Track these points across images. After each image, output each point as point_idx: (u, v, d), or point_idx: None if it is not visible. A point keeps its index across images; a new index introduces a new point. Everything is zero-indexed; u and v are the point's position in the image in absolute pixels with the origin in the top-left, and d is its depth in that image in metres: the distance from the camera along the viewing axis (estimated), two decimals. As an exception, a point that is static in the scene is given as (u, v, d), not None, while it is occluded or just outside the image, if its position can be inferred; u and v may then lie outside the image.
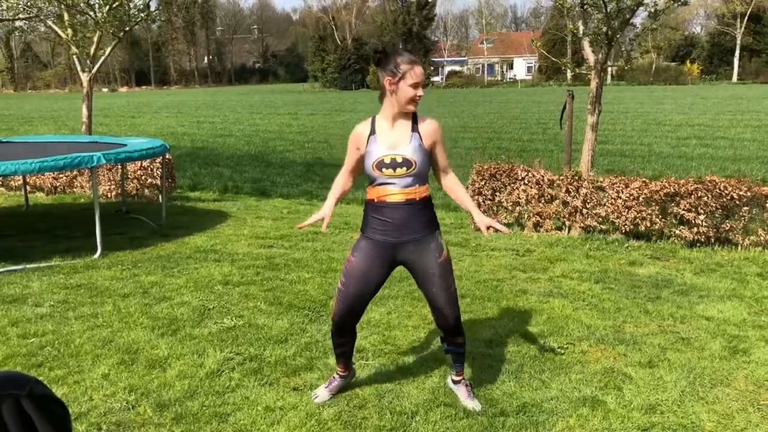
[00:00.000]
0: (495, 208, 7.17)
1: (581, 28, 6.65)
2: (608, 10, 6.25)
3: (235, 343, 3.97)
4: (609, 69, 65.90)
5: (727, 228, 6.29)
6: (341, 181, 3.24)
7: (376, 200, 3.01)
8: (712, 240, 6.34)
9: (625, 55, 6.70)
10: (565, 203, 6.86)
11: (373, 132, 3.00)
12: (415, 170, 2.94)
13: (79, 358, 3.76)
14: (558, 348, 3.92)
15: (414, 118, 3.01)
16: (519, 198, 7.03)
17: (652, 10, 6.34)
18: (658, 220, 6.50)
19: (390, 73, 2.91)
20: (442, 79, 69.79)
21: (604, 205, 6.68)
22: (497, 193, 7.12)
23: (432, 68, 67.33)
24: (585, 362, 3.74)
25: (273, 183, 10.95)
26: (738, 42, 63.04)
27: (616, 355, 3.83)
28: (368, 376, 3.57)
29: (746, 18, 62.24)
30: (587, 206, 6.76)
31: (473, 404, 3.24)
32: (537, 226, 7.03)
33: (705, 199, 6.26)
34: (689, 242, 6.38)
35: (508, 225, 7.15)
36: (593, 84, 6.84)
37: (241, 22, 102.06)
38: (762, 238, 6.17)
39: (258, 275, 5.33)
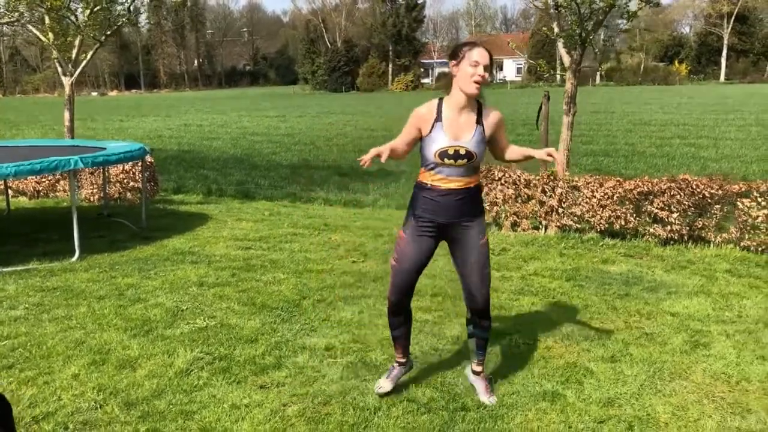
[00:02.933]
0: (473, 208, 7.23)
1: (556, 29, 6.73)
2: (581, 11, 6.34)
3: (206, 343, 4.02)
4: (598, 70, 66.33)
5: (699, 226, 6.38)
6: (398, 144, 3.15)
7: (430, 184, 3.12)
8: (686, 238, 6.44)
9: (599, 56, 6.77)
10: (541, 203, 6.95)
11: (439, 118, 3.07)
12: (473, 162, 3.09)
13: (50, 360, 3.80)
14: (523, 344, 4.00)
15: (479, 111, 3.10)
16: (496, 198, 7.10)
17: (625, 11, 6.42)
18: (632, 218, 6.59)
19: (453, 57, 3.05)
20: (432, 80, 69.94)
21: (580, 204, 6.77)
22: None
23: (422, 70, 67.48)
24: (549, 358, 3.81)
25: (257, 185, 11.00)
26: (725, 42, 63.52)
27: (580, 350, 3.91)
28: (335, 373, 3.62)
29: (733, 18, 62.72)
30: (563, 206, 6.84)
31: (490, 399, 3.29)
32: (514, 225, 7.11)
33: (678, 197, 6.35)
34: (663, 240, 6.47)
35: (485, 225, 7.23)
36: (568, 85, 6.93)
37: (231, 24, 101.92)
38: (733, 235, 6.27)
39: (233, 276, 5.38)
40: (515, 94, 48.06)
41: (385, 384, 3.38)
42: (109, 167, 8.76)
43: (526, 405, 3.26)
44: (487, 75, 2.98)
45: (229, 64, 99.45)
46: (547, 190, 6.87)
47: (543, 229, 7.00)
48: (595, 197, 6.66)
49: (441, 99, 3.12)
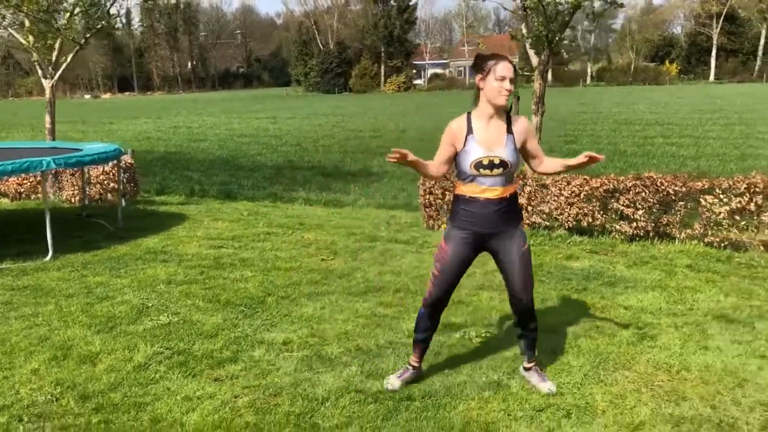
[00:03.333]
0: (445, 207, 7.35)
1: (524, 31, 6.85)
2: (547, 13, 6.45)
3: (167, 339, 4.11)
4: (588, 70, 66.56)
5: (664, 222, 6.50)
6: (434, 166, 3.30)
7: (469, 196, 3.22)
8: (651, 234, 6.55)
9: (565, 57, 6.84)
10: (511, 201, 7.05)
11: (470, 131, 3.18)
12: (509, 170, 3.19)
13: (12, 356, 3.88)
14: (476, 336, 4.10)
15: (508, 120, 3.22)
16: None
17: (590, 12, 6.55)
18: (599, 215, 6.71)
19: (479, 71, 3.15)
20: (424, 81, 70.13)
21: (548, 202, 6.88)
22: (447, 192, 7.30)
23: (414, 71, 67.62)
24: (499, 349, 3.92)
25: (240, 186, 11.09)
26: (714, 42, 63.84)
27: (531, 342, 4.01)
28: (289, 366, 3.72)
29: (722, 18, 63.05)
30: (532, 204, 6.96)
31: (548, 386, 3.41)
32: (486, 223, 7.21)
33: (643, 194, 6.47)
34: (629, 236, 6.58)
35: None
36: (536, 85, 7.04)
37: (224, 27, 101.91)
38: (697, 231, 6.39)
39: (202, 274, 5.47)
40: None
41: (395, 382, 3.48)
42: (90, 169, 8.85)
43: (470, 395, 3.37)
44: (512, 87, 3.12)
45: (222, 66, 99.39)
46: (518, 189, 6.97)
47: (514, 226, 7.10)
48: (563, 195, 6.78)
49: (469, 113, 3.23)
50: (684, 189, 6.37)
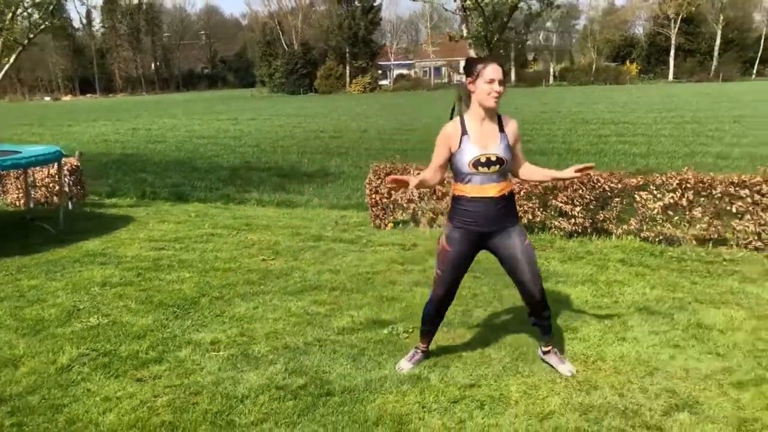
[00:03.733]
0: (391, 206, 7.42)
1: (465, 31, 6.94)
2: (485, 14, 6.56)
3: (94, 341, 4.10)
4: (551, 70, 67.36)
5: (601, 218, 6.65)
6: (427, 174, 3.41)
7: (469, 196, 3.31)
8: (589, 230, 6.70)
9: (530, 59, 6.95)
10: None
11: (465, 132, 3.28)
12: (505, 167, 3.30)
13: (-68, 360, 3.83)
14: (404, 332, 4.16)
15: (499, 120, 3.33)
16: (412, 195, 7.29)
17: (528, 12, 6.67)
18: (539, 212, 6.84)
19: (469, 74, 3.26)
20: (390, 82, 70.28)
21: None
22: (393, 191, 7.37)
23: (380, 72, 67.70)
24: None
25: (193, 187, 11.02)
26: (673, 42, 65.17)
27: (456, 336, 4.09)
28: (214, 365, 3.74)
29: (680, 19, 64.39)
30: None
31: (567, 368, 3.57)
32: (432, 222, 7.30)
33: (580, 191, 6.61)
34: (568, 233, 6.72)
35: (404, 222, 7.43)
36: (477, 84, 7.13)
37: (188, 27, 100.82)
38: (633, 226, 6.55)
39: (138, 276, 5.44)
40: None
41: (405, 365, 3.66)
42: (34, 171, 8.72)
43: (390, 388, 3.42)
44: (502, 89, 3.23)
45: (186, 67, 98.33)
46: (460, 186, 7.07)
47: (458, 224, 7.19)
48: (504, 193, 6.88)
49: (462, 115, 3.33)
50: (620, 186, 6.53)
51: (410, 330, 4.19)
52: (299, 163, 14.25)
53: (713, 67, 63.32)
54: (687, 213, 6.35)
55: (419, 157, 9.50)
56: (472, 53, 7.04)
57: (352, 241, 6.69)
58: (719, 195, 6.20)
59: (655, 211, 6.42)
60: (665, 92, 42.16)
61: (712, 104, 29.00)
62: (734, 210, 6.20)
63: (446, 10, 7.09)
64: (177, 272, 5.55)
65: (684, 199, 6.29)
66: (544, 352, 3.70)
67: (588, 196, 6.58)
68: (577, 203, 6.63)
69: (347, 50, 65.11)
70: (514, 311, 4.53)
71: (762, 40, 65.01)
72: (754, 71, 64.51)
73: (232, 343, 4.05)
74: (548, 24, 72.79)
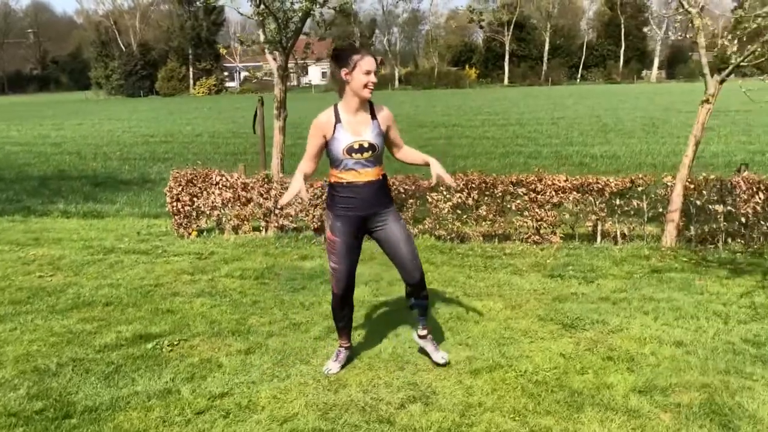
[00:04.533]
0: (195, 214, 7.24)
1: (261, 36, 6.93)
2: (279, 20, 6.58)
3: None
4: (396, 74, 69.29)
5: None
6: (304, 165, 3.52)
7: (346, 182, 3.43)
8: (388, 231, 6.93)
9: (299, 63, 7.01)
10: (259, 205, 7.12)
11: (338, 120, 3.40)
12: (377, 153, 3.44)
13: None
14: (168, 345, 4.07)
15: (371, 109, 3.46)
16: (215, 202, 7.16)
17: (322, 20, 6.78)
18: (341, 215, 6.97)
19: (344, 65, 3.31)
20: (237, 84, 68.91)
21: (293, 204, 7.02)
22: (195, 198, 7.20)
23: (225, 74, 66.23)
24: (187, 356, 3.91)
25: (-9, 200, 10.15)
26: (507, 48, 69.41)
27: (222, 345, 4.06)
28: None
29: (512, 26, 68.72)
30: (278, 207, 7.06)
31: (441, 356, 3.72)
32: (236, 228, 7.21)
33: (378, 193, 6.81)
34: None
35: (208, 231, 7.28)
36: (277, 90, 7.15)
37: (13, 25, 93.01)
38: (428, 225, 6.86)
39: None
40: (315, 99, 48.76)
41: (333, 366, 3.70)
42: None
43: (135, 405, 3.32)
44: (376, 80, 3.36)
45: (12, 68, 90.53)
46: (263, 192, 7.06)
47: (263, 230, 7.18)
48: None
49: (336, 105, 3.43)
50: (413, 187, 6.81)
51: (176, 342, 4.11)
52: (119, 170, 13.59)
53: (543, 72, 68.15)
54: (474, 212, 6.76)
55: (253, 162, 9.40)
56: (269, 58, 7.04)
57: (146, 252, 6.45)
58: (500, 194, 6.66)
59: (446, 210, 6.76)
60: (498, 95, 44.76)
61: (537, 107, 31.18)
62: (514, 207, 6.69)
63: (241, 14, 6.96)
64: (-68, 295, 5.06)
65: (470, 199, 6.69)
66: (420, 336, 3.82)
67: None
68: (375, 205, 6.83)
69: (190, 51, 63.01)
70: (291, 314, 4.57)
71: (584, 47, 70.86)
72: (579, 76, 70.18)
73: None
74: (394, 29, 74.86)
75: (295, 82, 71.06)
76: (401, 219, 3.64)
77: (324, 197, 6.80)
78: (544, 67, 69.08)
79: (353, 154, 3.40)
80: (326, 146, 3.45)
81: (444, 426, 3.08)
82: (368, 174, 3.45)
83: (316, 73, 72.12)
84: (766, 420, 3.07)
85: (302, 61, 7.13)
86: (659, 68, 71.08)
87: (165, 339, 4.16)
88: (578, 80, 69.05)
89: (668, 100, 32.73)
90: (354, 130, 3.41)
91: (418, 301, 3.75)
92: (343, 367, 3.73)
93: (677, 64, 69.37)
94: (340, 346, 3.81)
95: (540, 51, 70.52)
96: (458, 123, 23.12)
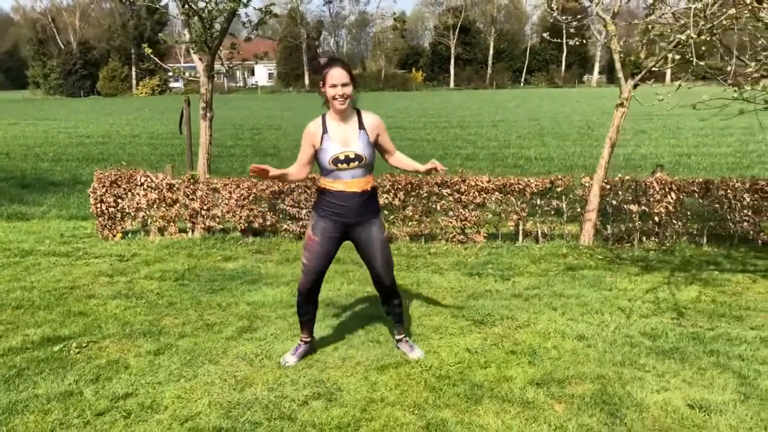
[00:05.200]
0: (119, 215, 7.12)
1: (186, 36, 6.87)
2: (204, 20, 6.54)
3: None
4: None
5: (326, 220, 6.94)
6: (295, 169, 3.60)
7: (333, 190, 3.50)
8: (316, 231, 6.95)
9: (226, 65, 6.99)
10: (185, 206, 7.05)
11: (325, 131, 3.45)
12: (365, 163, 3.48)
13: None
14: (76, 347, 4.01)
15: (359, 117, 3.49)
16: (140, 204, 7.06)
17: (248, 21, 6.77)
18: (270, 216, 6.96)
19: (321, 79, 3.41)
20: (181, 85, 67.68)
21: (220, 205, 6.99)
22: (119, 200, 7.08)
23: (170, 74, 65.00)
24: (94, 358, 3.86)
25: None
26: (452, 52, 70.23)
27: (132, 347, 4.03)
28: None
29: (457, 30, 69.57)
30: (205, 208, 7.02)
31: (417, 354, 3.83)
32: (162, 230, 7.12)
33: (305, 195, 6.84)
34: (297, 235, 6.92)
35: (134, 233, 7.17)
36: (203, 90, 7.10)
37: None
38: (355, 226, 6.91)
39: None
40: (262, 99, 48.44)
41: (290, 359, 3.77)
42: None
43: (34, 408, 3.27)
44: (347, 90, 3.36)
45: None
46: (188, 193, 7.00)
47: (190, 231, 7.11)
48: (233, 198, 6.93)
49: (324, 114, 3.47)
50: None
51: (85, 344, 4.05)
52: (50, 171, 13.21)
53: (488, 76, 69.20)
54: (400, 212, 6.85)
55: (182, 163, 9.25)
56: (195, 58, 6.99)
57: (67, 255, 6.32)
58: (426, 194, 6.77)
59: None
60: (443, 98, 45.26)
61: (479, 110, 31.68)
62: (439, 208, 6.81)
63: (169, 15, 6.90)
64: None
65: (397, 200, 6.78)
66: (398, 340, 3.92)
67: (313, 199, 6.83)
68: (303, 206, 6.86)
69: (133, 51, 61.67)
70: (206, 314, 4.56)
71: (528, 52, 72.26)
72: (523, 80, 71.52)
73: None
74: (342, 32, 74.82)
75: (241, 83, 70.32)
76: (383, 230, 3.69)
77: (250, 198, 6.81)
78: (489, 70, 70.17)
79: (339, 165, 3.45)
80: (315, 155, 3.50)
81: (344, 421, 3.13)
82: (356, 184, 3.51)
83: (263, 74, 71.52)
84: (651, 408, 3.23)
85: (227, 62, 7.04)
86: (600, 73, 73.04)
87: (74, 341, 4.10)
88: (522, 84, 70.37)
89: (606, 103, 33.70)
90: (342, 140, 3.45)
91: (391, 308, 3.88)
92: (300, 360, 3.80)
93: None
94: (301, 340, 3.86)
95: (485, 55, 71.61)
96: (402, 125, 23.26)
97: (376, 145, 3.61)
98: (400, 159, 3.79)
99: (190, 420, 3.17)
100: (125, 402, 3.35)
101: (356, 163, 3.47)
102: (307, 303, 3.78)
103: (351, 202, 3.51)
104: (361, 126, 3.51)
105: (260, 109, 35.01)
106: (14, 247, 6.58)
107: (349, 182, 3.49)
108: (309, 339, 3.88)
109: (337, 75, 3.39)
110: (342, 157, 3.44)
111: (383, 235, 3.68)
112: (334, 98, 3.39)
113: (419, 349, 3.90)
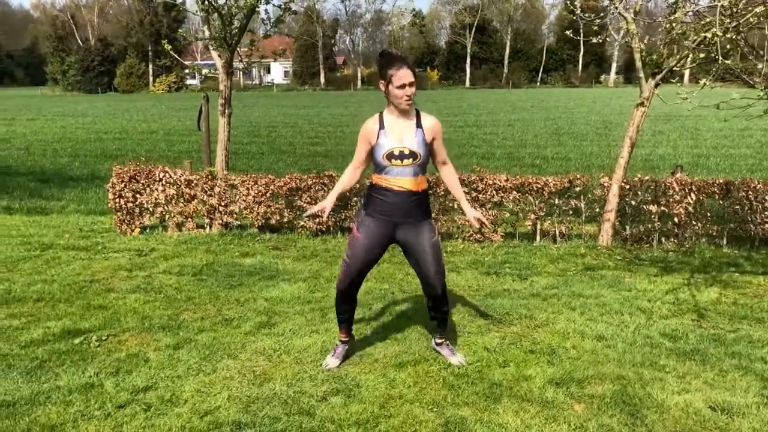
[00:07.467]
0: (138, 210, 7.17)
1: (206, 32, 6.90)
2: (223, 17, 6.56)
3: None
4: (359, 74, 69.29)
5: (343, 217, 6.95)
6: (349, 176, 3.60)
7: (384, 186, 3.43)
8: (332, 229, 6.97)
9: (245, 62, 7.02)
10: (203, 202, 7.09)
11: (382, 126, 3.40)
12: (419, 161, 3.40)
13: None
14: (96, 340, 4.04)
15: (417, 115, 3.44)
16: (158, 199, 7.10)
17: (268, 18, 6.78)
18: (287, 213, 6.98)
19: (383, 77, 3.33)
20: (198, 82, 68.02)
21: (237, 201, 7.02)
22: (138, 195, 7.13)
23: (186, 71, 65.39)
24: (114, 351, 3.89)
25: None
26: (468, 51, 69.99)
27: (151, 340, 4.05)
28: None
29: (474, 29, 69.32)
30: (222, 204, 7.04)
31: (458, 359, 3.73)
32: (180, 225, 7.16)
33: (322, 192, 6.85)
34: (314, 232, 6.93)
35: (152, 228, 7.21)
36: (222, 87, 7.13)
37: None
38: (372, 224, 6.90)
39: None
40: (277, 97, 48.56)
41: (332, 361, 3.70)
42: None
43: (56, 399, 3.29)
44: (414, 90, 3.32)
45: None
46: (207, 189, 7.03)
47: (208, 227, 7.14)
48: (250, 194, 6.95)
49: (382, 111, 3.44)
50: (357, 186, 6.85)
51: (104, 338, 4.08)
52: (68, 166, 13.34)
53: (504, 75, 68.90)
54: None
55: (200, 159, 9.31)
56: (215, 55, 7.01)
57: (86, 249, 6.37)
58: (443, 193, 6.75)
59: (390, 208, 6.82)
60: (459, 97, 45.13)
61: (495, 109, 31.55)
62: (456, 206, 6.78)
63: (186, 11, 6.91)
64: None
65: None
66: (438, 344, 3.85)
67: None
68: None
69: (150, 48, 62.07)
70: (225, 310, 4.58)
71: (544, 51, 71.88)
72: (539, 79, 71.15)
73: None
74: (358, 30, 74.88)
75: (257, 81, 70.53)
76: (434, 231, 3.55)
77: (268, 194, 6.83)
78: (505, 70, 69.87)
79: (393, 161, 3.38)
80: (371, 151, 3.45)
81: (363, 417, 3.13)
82: (408, 182, 3.41)
83: (278, 72, 71.69)
84: (672, 409, 3.20)
85: (247, 59, 7.06)
86: (617, 73, 72.49)
87: (94, 334, 4.13)
88: (538, 84, 70.00)
89: (623, 103, 33.42)
90: (397, 136, 3.39)
91: (438, 314, 3.75)
92: (342, 362, 3.72)
93: (635, 68, 70.73)
94: (339, 341, 3.79)
95: (501, 54, 71.32)
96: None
97: (430, 148, 3.54)
98: (450, 178, 3.73)
99: (209, 414, 3.18)
100: (145, 395, 3.37)
101: (410, 160, 3.40)
102: (344, 302, 3.69)
103: (401, 200, 3.43)
104: (419, 125, 3.44)
105: (275, 107, 35.08)
106: (35, 241, 6.65)
107: (400, 180, 3.42)
108: (347, 338, 3.81)
109: (406, 75, 3.30)
110: (396, 153, 3.39)
111: (434, 238, 3.54)
112: (401, 98, 3.33)
113: (461, 355, 3.82)
